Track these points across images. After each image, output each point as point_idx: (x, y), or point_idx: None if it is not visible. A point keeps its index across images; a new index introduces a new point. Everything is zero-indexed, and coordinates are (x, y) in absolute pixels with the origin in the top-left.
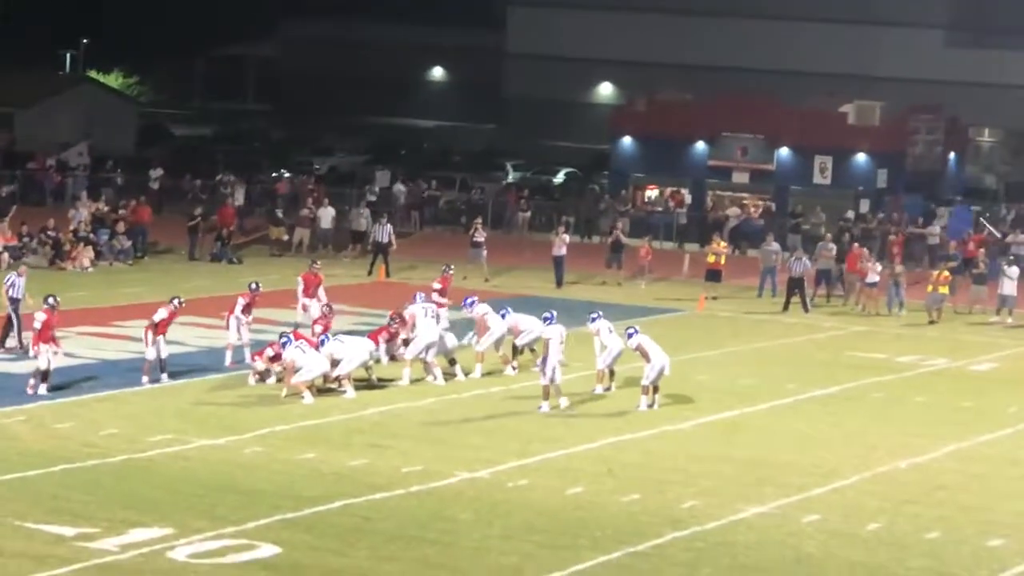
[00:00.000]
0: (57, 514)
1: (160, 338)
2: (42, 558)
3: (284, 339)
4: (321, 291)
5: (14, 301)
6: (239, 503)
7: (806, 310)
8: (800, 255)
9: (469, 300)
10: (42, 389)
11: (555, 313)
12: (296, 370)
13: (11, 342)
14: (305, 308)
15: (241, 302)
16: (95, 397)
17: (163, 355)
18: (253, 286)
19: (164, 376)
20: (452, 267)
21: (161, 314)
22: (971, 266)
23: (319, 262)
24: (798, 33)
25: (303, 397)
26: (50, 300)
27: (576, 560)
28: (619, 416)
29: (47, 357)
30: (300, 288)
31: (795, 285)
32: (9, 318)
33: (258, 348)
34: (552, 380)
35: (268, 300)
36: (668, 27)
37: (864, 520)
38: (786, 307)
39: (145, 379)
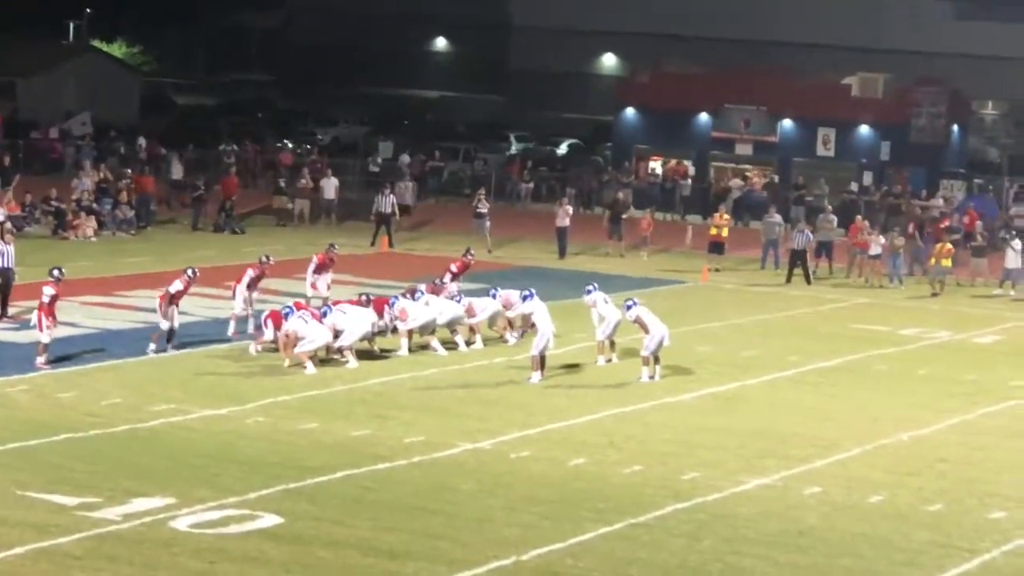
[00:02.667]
0: (59, 484)
1: (173, 308)
2: (44, 527)
3: (286, 309)
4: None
5: (4, 270)
6: (241, 473)
7: (808, 282)
8: (803, 227)
9: (492, 292)
10: (39, 361)
11: (534, 291)
12: (299, 340)
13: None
14: (314, 287)
15: (250, 273)
16: (98, 367)
17: (175, 326)
18: (264, 258)
19: (169, 347)
20: (473, 253)
21: (177, 286)
22: (970, 239)
23: (336, 246)
24: (802, 4)
25: (305, 367)
26: (55, 272)
27: (578, 531)
28: (621, 388)
29: (49, 332)
30: (312, 266)
31: (797, 257)
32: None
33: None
34: (542, 352)
35: (272, 271)
36: None
37: (866, 492)
38: (788, 279)
39: (152, 347)
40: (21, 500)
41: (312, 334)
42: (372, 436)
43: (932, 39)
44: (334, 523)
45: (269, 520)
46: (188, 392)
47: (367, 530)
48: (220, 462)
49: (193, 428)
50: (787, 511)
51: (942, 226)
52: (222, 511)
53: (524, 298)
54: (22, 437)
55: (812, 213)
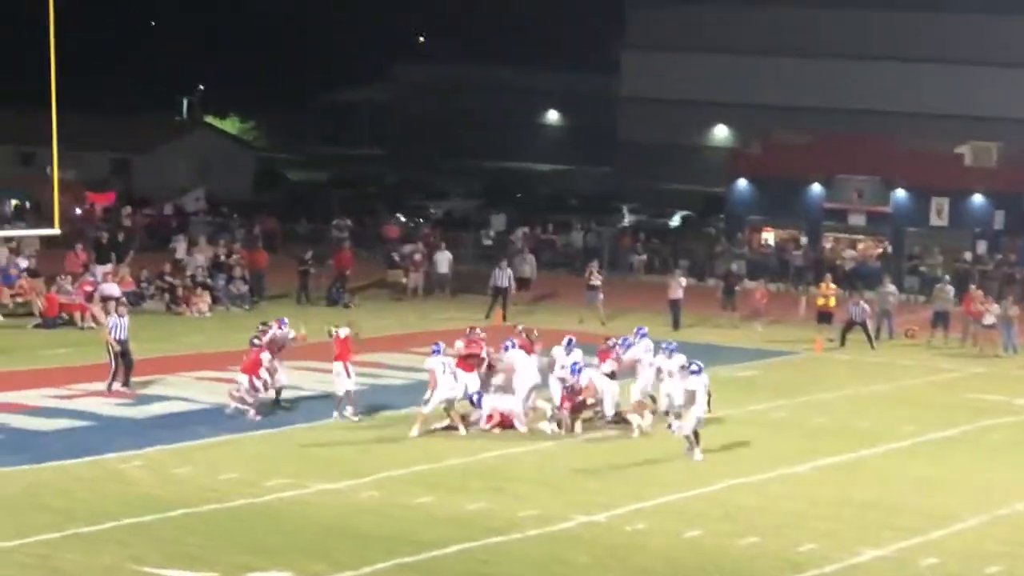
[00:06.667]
0: (175, 559)
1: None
2: None
3: (435, 348)
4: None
5: (120, 343)
6: (356, 547)
7: (872, 346)
8: (858, 300)
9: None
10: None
11: (702, 365)
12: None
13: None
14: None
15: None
16: (213, 441)
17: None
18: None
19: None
20: (480, 330)
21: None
22: None
23: (480, 329)
24: (913, 74)
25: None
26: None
27: None
28: (736, 459)
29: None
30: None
31: (854, 325)
32: (116, 358)
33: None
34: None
35: (383, 344)
36: (782, 69)
37: (983, 564)
38: (842, 342)
39: (337, 414)
40: (138, 575)
41: (444, 383)
42: (487, 510)
43: None
44: None
45: None
46: (303, 466)
47: None
48: (335, 536)
49: (308, 502)
50: None
51: None
52: None
53: (692, 372)
54: (138, 513)
55: (926, 284)
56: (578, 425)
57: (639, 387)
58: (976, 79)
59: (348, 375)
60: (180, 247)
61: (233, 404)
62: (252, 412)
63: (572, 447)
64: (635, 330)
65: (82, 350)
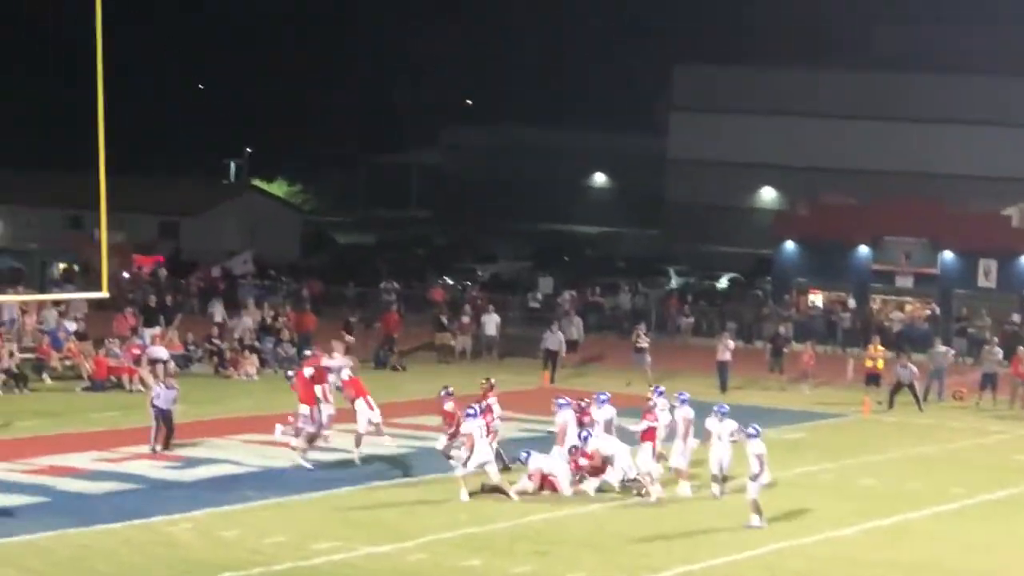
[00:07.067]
0: None
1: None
2: None
3: (471, 411)
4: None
5: (160, 411)
6: None
7: (920, 408)
8: (905, 362)
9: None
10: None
11: (759, 429)
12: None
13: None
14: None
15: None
16: (261, 504)
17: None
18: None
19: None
20: (451, 389)
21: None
22: None
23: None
24: (961, 136)
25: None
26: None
27: None
28: (784, 521)
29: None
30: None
31: (902, 387)
32: (156, 421)
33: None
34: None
35: (430, 407)
36: (829, 131)
37: None
38: (891, 405)
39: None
40: None
41: (480, 448)
42: (534, 573)
43: None
44: None
45: None
46: (350, 529)
47: None
48: None
49: (355, 565)
50: None
51: None
52: None
53: (750, 436)
54: None
55: (975, 345)
56: (589, 485)
57: (681, 452)
58: (1023, 140)
59: (371, 407)
60: (217, 311)
61: (296, 453)
62: (302, 446)
63: (620, 509)
64: (676, 395)
65: (130, 413)
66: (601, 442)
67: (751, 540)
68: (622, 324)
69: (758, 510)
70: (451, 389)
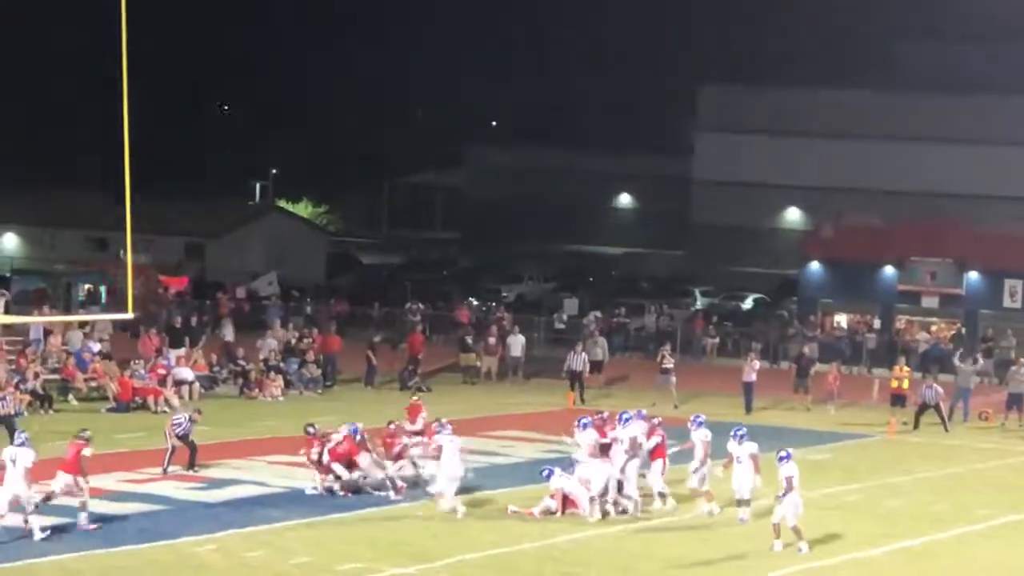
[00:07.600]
0: None
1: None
2: None
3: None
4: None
5: (179, 438)
6: None
7: (946, 430)
8: (931, 383)
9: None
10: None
11: (790, 452)
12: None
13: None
14: None
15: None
16: (286, 526)
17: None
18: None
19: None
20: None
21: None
22: None
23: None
24: (986, 156)
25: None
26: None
27: None
28: (809, 542)
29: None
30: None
31: (927, 408)
32: (171, 445)
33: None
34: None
35: (455, 428)
36: (854, 152)
37: None
38: (916, 425)
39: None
40: None
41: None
42: None
43: None
44: None
45: None
46: (375, 550)
47: None
48: None
49: None
50: None
51: None
52: None
53: (780, 459)
54: None
55: (1001, 366)
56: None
57: (699, 473)
58: None
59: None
60: (227, 330)
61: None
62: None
63: (644, 531)
64: (692, 418)
65: (155, 434)
66: (564, 481)
67: (776, 561)
68: (647, 345)
69: (782, 533)
70: (314, 428)
